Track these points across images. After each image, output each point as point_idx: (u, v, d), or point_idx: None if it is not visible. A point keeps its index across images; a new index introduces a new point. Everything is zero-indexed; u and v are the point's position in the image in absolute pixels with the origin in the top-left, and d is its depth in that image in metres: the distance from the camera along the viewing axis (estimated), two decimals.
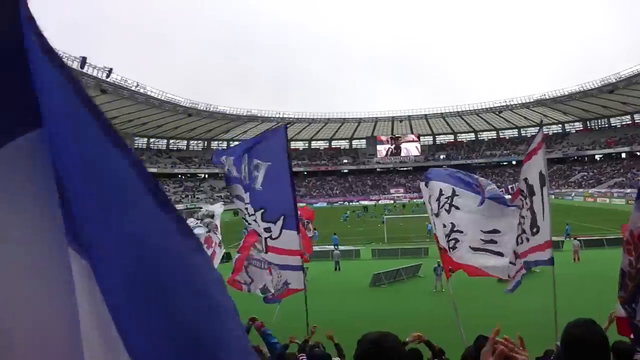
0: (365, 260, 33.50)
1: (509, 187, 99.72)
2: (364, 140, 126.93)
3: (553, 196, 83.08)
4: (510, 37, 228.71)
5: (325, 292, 22.82)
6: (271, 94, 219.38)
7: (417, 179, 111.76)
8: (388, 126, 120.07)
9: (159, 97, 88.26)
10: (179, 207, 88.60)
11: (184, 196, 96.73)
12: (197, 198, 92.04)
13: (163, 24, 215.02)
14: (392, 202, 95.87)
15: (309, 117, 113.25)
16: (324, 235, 41.62)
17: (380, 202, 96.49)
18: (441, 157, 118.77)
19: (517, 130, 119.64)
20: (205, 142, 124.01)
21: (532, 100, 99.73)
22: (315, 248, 37.56)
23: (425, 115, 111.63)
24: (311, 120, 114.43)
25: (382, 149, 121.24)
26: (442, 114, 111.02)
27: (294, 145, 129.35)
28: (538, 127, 8.43)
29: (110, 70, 74.09)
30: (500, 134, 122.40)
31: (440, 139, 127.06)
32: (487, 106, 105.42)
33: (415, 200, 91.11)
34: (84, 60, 68.86)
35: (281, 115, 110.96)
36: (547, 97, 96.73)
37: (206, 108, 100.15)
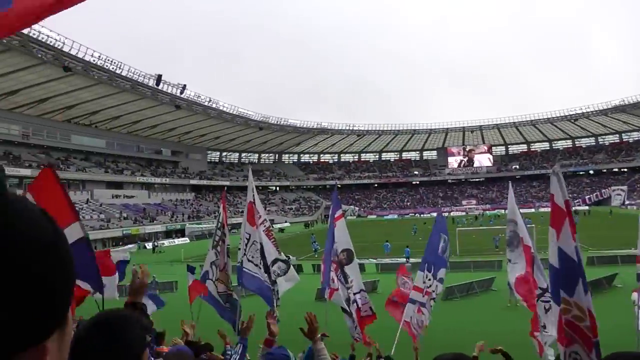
0: None
1: (586, 197, 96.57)
2: (435, 152, 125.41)
3: (635, 207, 79.55)
4: (584, 41, 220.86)
5: None
6: (341, 106, 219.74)
7: (489, 190, 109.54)
8: (459, 137, 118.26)
9: (231, 112, 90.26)
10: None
11: None
12: (269, 211, 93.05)
13: (234, 40, 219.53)
14: (464, 213, 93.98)
15: (379, 129, 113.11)
16: (396, 248, 41.33)
17: (452, 213, 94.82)
18: (514, 167, 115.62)
19: (594, 138, 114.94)
20: (277, 155, 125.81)
21: (610, 106, 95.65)
22: (387, 260, 37.52)
23: (497, 125, 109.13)
24: (381, 132, 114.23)
25: (453, 161, 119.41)
26: (514, 123, 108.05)
27: (364, 157, 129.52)
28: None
29: (184, 87, 76.48)
30: (576, 143, 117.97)
31: (513, 148, 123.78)
32: (562, 114, 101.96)
33: (488, 212, 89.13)
34: (159, 78, 71.31)
35: (351, 128, 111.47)
36: (627, 102, 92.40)
37: (277, 122, 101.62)
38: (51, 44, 55.03)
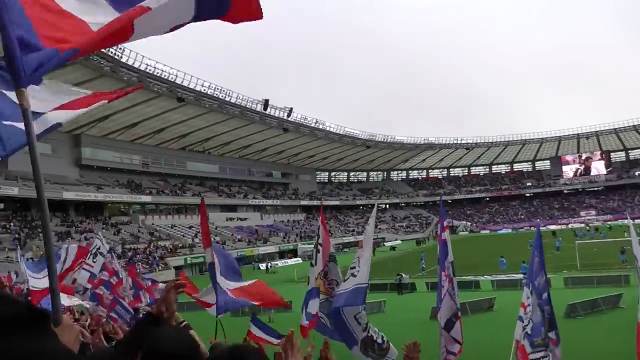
0: (557, 289, 31.22)
1: None
2: (548, 161, 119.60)
3: None
4: None
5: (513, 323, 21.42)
6: (446, 119, 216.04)
7: (609, 199, 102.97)
8: (573, 144, 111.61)
9: (337, 132, 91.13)
10: (362, 238, 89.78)
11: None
12: (380, 229, 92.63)
13: (336, 60, 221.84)
14: (583, 225, 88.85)
15: (488, 141, 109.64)
16: (512, 264, 39.59)
17: (569, 225, 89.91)
18: (636, 173, 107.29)
19: None
20: (385, 173, 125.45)
21: None
22: (503, 277, 35.99)
23: (615, 129, 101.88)
24: (490, 144, 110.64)
25: (568, 170, 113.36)
26: (634, 126, 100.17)
27: (474, 170, 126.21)
28: None
29: (290, 110, 78.22)
30: None
31: (635, 153, 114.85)
32: None
33: (608, 223, 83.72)
34: (266, 103, 73.38)
35: (459, 141, 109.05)
36: None
37: (384, 139, 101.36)
38: (165, 77, 58.32)
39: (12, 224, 51.23)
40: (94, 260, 15.96)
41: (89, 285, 13.84)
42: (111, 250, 15.94)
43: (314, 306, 9.11)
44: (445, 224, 10.24)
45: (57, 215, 59.08)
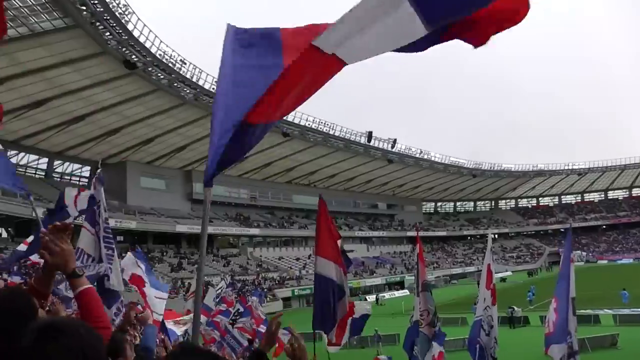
0: None
1: None
2: None
3: None
4: None
5: None
6: (553, 144, 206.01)
7: None
8: None
9: (442, 162, 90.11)
10: (470, 269, 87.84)
11: (474, 258, 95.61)
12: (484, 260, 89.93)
13: (433, 92, 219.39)
14: None
15: (602, 166, 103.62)
16: (635, 297, 37.13)
17: None
18: None
19: None
20: (493, 202, 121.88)
21: None
22: (626, 311, 33.68)
23: None
24: (605, 169, 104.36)
25: None
26: None
27: (587, 197, 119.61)
28: None
29: (394, 141, 78.36)
30: None
31: None
32: None
33: None
34: (370, 134, 73.99)
35: (570, 167, 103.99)
36: None
37: (490, 167, 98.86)
38: None
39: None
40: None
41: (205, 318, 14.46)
42: (231, 284, 16.56)
43: (437, 348, 9.02)
44: (571, 255, 9.60)
45: (171, 247, 62.04)
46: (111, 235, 6.41)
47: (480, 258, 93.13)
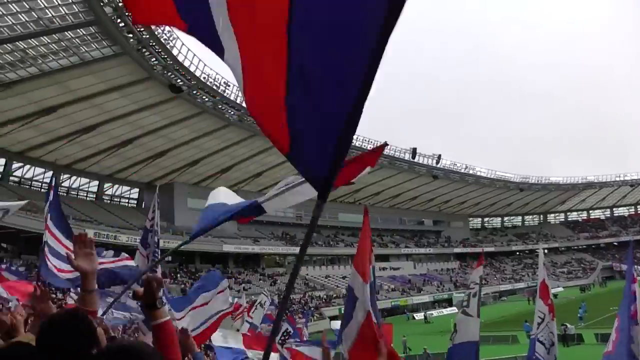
0: None
1: None
2: None
3: None
4: None
5: None
6: (602, 154, 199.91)
7: None
8: None
9: (488, 176, 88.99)
10: (519, 285, 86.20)
11: (523, 274, 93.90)
12: (537, 275, 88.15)
13: (474, 107, 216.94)
14: None
15: None
16: None
17: None
18: None
19: None
20: (541, 216, 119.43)
21: None
22: None
23: None
24: None
25: None
26: None
27: None
28: None
29: (439, 157, 77.95)
30: None
31: None
32: None
33: None
34: (414, 151, 73.79)
35: (621, 178, 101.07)
36: None
37: (538, 180, 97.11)
38: None
39: (178, 274, 55.00)
40: (253, 312, 17.04)
41: (249, 334, 14.76)
42: (273, 303, 16.81)
43: None
44: (633, 272, 9.19)
45: (218, 267, 62.75)
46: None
47: (529, 274, 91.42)
